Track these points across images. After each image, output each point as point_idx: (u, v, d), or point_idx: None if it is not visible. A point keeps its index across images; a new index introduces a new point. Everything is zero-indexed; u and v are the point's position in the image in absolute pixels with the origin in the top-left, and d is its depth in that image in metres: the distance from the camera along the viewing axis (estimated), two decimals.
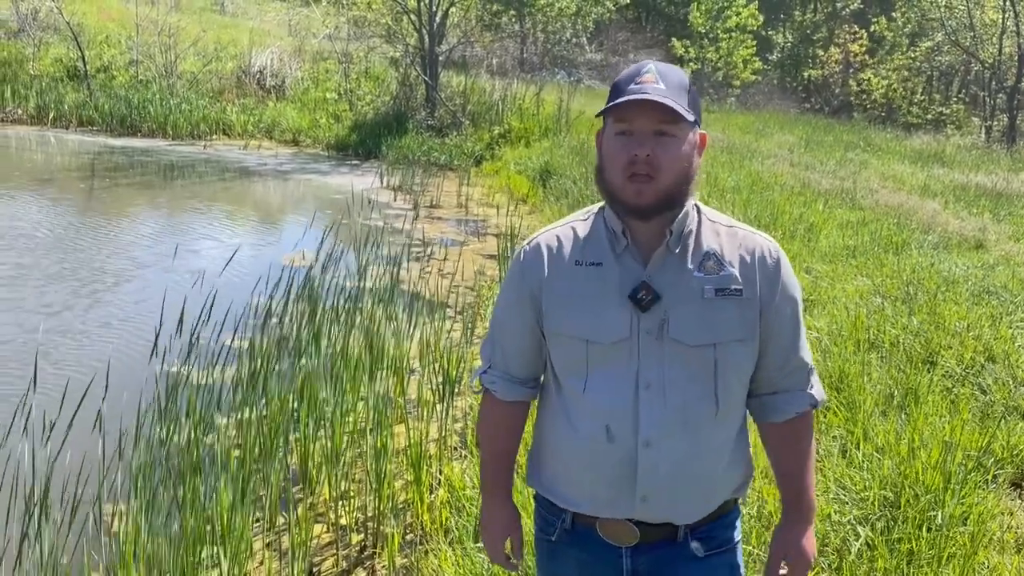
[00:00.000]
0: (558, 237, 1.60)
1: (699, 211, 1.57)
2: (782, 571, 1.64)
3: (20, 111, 16.47)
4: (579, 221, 1.62)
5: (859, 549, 2.75)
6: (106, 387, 4.00)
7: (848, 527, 2.89)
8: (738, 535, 1.66)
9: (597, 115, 1.53)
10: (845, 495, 3.09)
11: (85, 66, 17.45)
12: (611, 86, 1.52)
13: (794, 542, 1.63)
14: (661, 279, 1.50)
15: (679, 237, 1.52)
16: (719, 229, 1.56)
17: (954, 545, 2.75)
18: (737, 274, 1.52)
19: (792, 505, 1.66)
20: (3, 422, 3.78)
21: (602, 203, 1.60)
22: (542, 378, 1.69)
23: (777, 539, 1.66)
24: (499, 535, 1.74)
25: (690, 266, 1.51)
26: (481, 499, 1.79)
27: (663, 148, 1.45)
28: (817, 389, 1.63)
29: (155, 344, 4.22)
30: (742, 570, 1.67)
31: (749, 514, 2.95)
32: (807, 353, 1.62)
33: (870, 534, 2.82)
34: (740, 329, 1.51)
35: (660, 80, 1.45)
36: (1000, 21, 21.65)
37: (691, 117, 1.46)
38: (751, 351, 1.54)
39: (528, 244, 1.63)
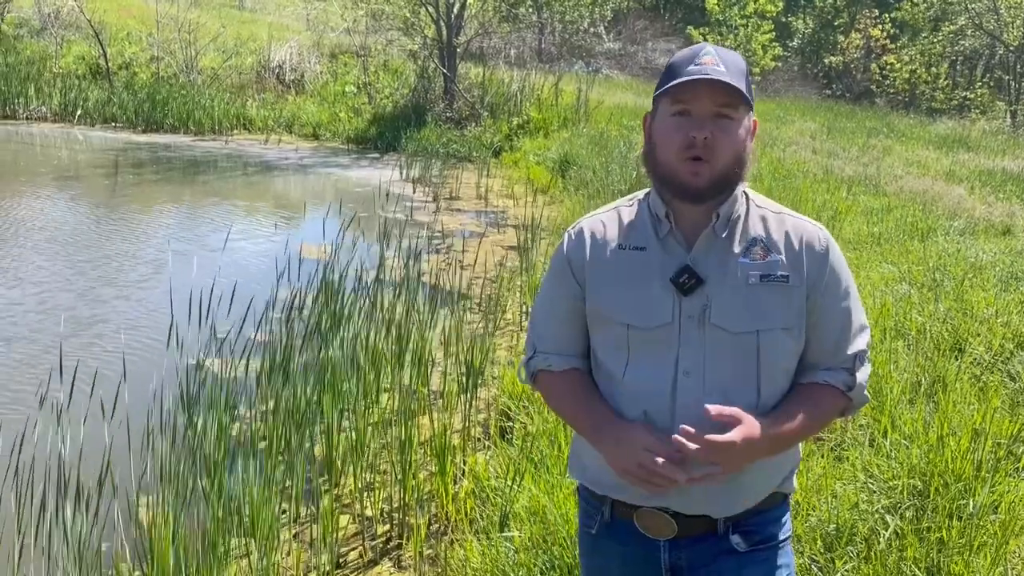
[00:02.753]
0: (602, 222, 1.59)
1: (747, 197, 1.55)
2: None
3: (44, 109, 16.65)
4: (624, 207, 1.61)
5: (888, 538, 2.73)
6: (152, 380, 4.05)
7: (877, 516, 2.86)
8: (786, 532, 1.60)
9: (656, 95, 1.49)
10: (873, 484, 3.06)
11: (107, 63, 17.61)
12: (666, 67, 1.49)
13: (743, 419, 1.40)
14: (705, 263, 1.48)
15: (726, 222, 1.50)
16: (767, 215, 1.54)
17: (985, 534, 2.72)
18: (784, 260, 1.48)
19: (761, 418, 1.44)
20: (33, 412, 3.84)
21: (647, 189, 1.59)
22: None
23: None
24: (641, 446, 1.43)
25: (736, 251, 1.49)
26: (598, 441, 1.53)
27: (722, 131, 1.43)
28: (861, 376, 1.53)
29: (176, 336, 4.25)
30: (791, 569, 1.59)
31: None
32: (859, 346, 1.53)
33: (899, 523, 2.79)
34: (785, 317, 1.47)
35: (720, 63, 1.43)
36: None
37: (750, 102, 1.45)
38: (796, 340, 1.50)
39: (572, 229, 1.62)
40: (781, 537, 1.58)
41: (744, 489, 1.52)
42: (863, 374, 1.55)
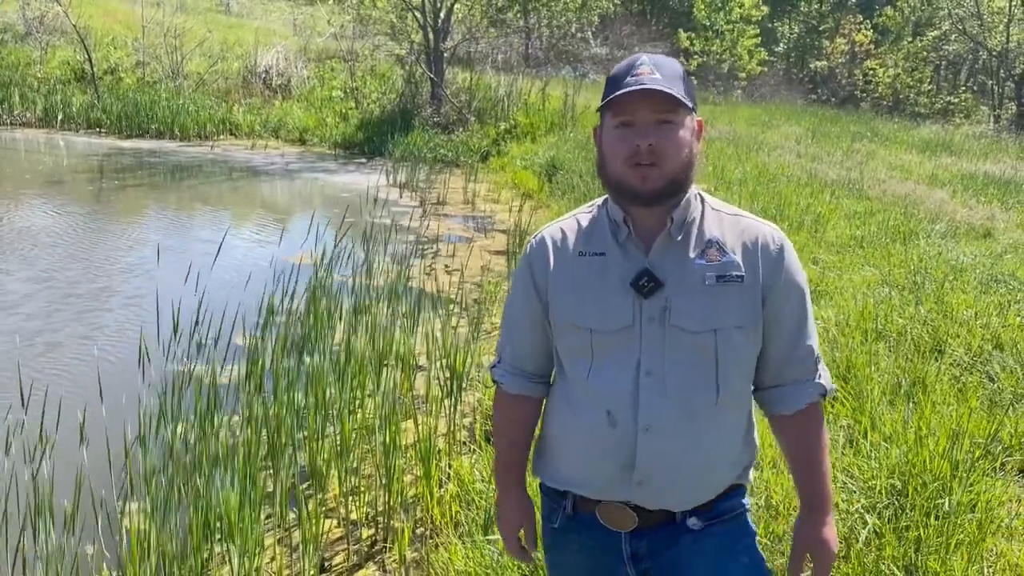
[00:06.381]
0: (562, 230, 1.64)
1: (702, 200, 1.59)
2: (808, 566, 1.60)
3: (28, 114, 16.56)
4: (584, 213, 1.66)
5: (867, 537, 2.76)
6: (133, 388, 4.04)
7: (856, 515, 2.89)
8: (742, 506, 1.65)
9: (597, 110, 1.54)
10: (852, 484, 3.09)
11: (92, 68, 17.52)
12: (606, 81, 1.54)
13: (815, 535, 1.60)
14: (663, 266, 1.53)
15: (681, 225, 1.54)
16: (723, 217, 1.58)
17: (962, 532, 2.75)
18: (739, 261, 1.53)
19: (809, 497, 1.63)
20: (16, 421, 3.82)
21: (606, 196, 1.63)
22: (553, 374, 1.71)
23: (798, 534, 1.62)
24: (513, 525, 1.76)
25: (692, 254, 1.53)
26: (496, 491, 1.81)
27: (665, 136, 1.47)
28: (825, 378, 1.63)
29: (159, 343, 4.25)
30: (753, 538, 1.63)
31: (756, 503, 2.97)
32: (814, 341, 1.61)
33: (877, 522, 2.82)
34: (741, 315, 1.52)
35: (656, 71, 1.48)
36: (1008, 8, 21.52)
37: (689, 103, 1.49)
38: (753, 338, 1.55)
39: (535, 238, 1.67)
40: (737, 509, 1.64)
41: (704, 485, 1.58)
42: (826, 377, 1.64)
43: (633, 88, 1.46)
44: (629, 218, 1.55)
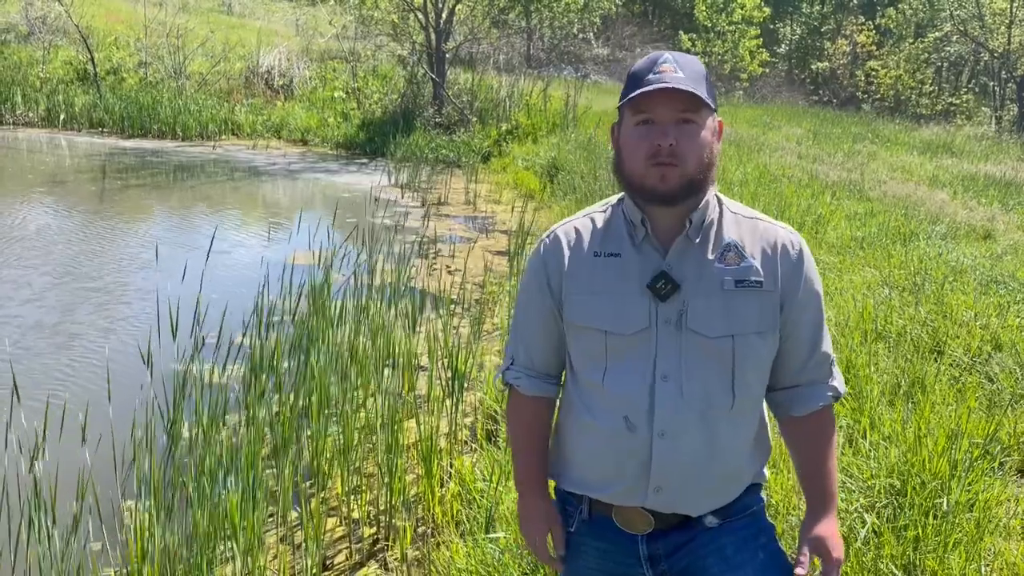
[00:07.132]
0: (576, 229, 1.61)
1: (720, 202, 1.57)
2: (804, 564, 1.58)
3: (31, 114, 16.59)
4: (597, 212, 1.62)
5: (866, 536, 2.78)
6: (138, 389, 4.05)
7: (855, 515, 2.91)
8: (758, 503, 1.63)
9: (619, 106, 1.51)
10: (852, 483, 3.11)
11: (94, 68, 17.56)
12: (627, 77, 1.51)
13: (823, 535, 1.57)
14: (680, 269, 1.50)
15: (699, 227, 1.51)
16: (740, 220, 1.55)
17: (960, 531, 2.77)
18: (758, 266, 1.51)
19: (817, 498, 1.60)
20: (17, 422, 3.85)
21: (620, 195, 1.60)
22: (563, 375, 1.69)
23: (805, 534, 1.59)
24: (540, 530, 1.70)
25: (710, 256, 1.51)
26: (517, 496, 1.76)
27: (686, 136, 1.45)
28: (839, 380, 1.61)
29: (162, 344, 4.26)
30: (771, 533, 1.62)
31: None
32: (829, 345, 1.60)
33: (876, 521, 2.84)
34: (760, 321, 1.50)
35: (679, 69, 1.45)
36: (1009, 10, 21.54)
37: (712, 104, 1.47)
38: (770, 344, 1.53)
39: (547, 236, 1.64)
40: (753, 508, 1.62)
41: (720, 491, 1.57)
42: (839, 379, 1.62)
43: (657, 87, 1.43)
44: (647, 218, 1.52)
